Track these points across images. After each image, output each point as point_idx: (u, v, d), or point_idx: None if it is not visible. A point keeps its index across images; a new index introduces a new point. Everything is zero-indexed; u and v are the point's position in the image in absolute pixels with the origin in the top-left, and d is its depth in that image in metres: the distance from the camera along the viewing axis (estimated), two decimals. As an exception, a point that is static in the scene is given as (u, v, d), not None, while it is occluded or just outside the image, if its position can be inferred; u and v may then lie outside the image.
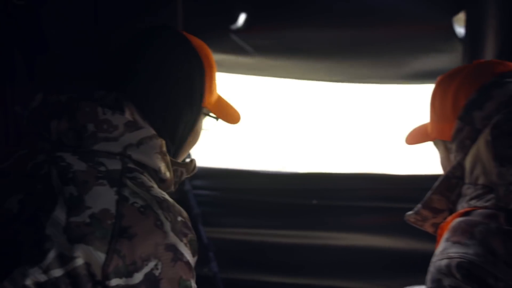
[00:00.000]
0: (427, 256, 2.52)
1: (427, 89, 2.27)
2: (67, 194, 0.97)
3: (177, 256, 0.97)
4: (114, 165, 1.03)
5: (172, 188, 1.15)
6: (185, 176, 1.21)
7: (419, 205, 1.20)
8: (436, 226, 1.19)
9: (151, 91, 1.12)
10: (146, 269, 0.93)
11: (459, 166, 1.13)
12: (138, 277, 0.93)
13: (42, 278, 0.90)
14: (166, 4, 1.86)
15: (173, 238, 0.97)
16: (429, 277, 1.08)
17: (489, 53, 1.96)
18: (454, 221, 1.09)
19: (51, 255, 0.91)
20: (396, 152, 3.14)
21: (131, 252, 0.93)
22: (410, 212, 1.22)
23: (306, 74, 2.30)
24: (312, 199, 2.41)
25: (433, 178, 2.36)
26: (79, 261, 0.91)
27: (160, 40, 1.17)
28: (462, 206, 1.11)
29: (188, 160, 1.23)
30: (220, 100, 1.29)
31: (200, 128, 1.24)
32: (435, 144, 1.27)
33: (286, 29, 2.11)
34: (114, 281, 0.91)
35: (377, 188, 2.46)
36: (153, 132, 1.09)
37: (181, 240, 0.98)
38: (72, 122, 1.06)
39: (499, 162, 1.02)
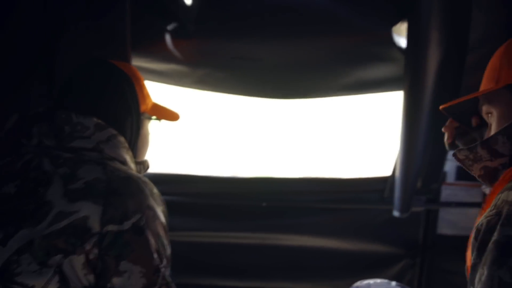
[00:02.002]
0: (373, 256, 2.63)
1: (369, 99, 2.37)
2: (61, 172, 1.17)
3: (156, 215, 1.20)
4: (93, 155, 1.25)
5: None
6: (143, 173, 1.44)
7: (477, 143, 1.08)
8: (487, 170, 1.09)
9: (103, 104, 1.35)
10: (133, 219, 1.14)
11: None
12: (127, 224, 1.13)
13: (46, 231, 1.08)
14: (114, 5, 1.87)
15: (152, 201, 1.20)
16: (484, 231, 0.94)
17: (431, 62, 2.01)
18: None
19: (53, 213, 1.10)
20: (342, 157, 3.23)
21: (121, 205, 1.14)
22: (462, 148, 1.11)
23: (252, 91, 2.28)
24: (262, 202, 2.46)
25: (377, 180, 2.49)
26: (79, 214, 1.11)
27: (100, 70, 1.42)
28: None
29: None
30: (156, 105, 1.53)
31: (147, 133, 1.50)
32: (494, 96, 1.15)
33: (229, 41, 2.10)
34: (109, 227, 1.12)
35: (324, 191, 2.52)
36: (115, 131, 1.30)
37: (159, 206, 1.22)
38: (52, 126, 1.25)
39: None
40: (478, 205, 2.49)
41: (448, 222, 2.55)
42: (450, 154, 2.37)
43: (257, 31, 2.08)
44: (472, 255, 0.95)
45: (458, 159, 1.12)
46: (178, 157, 3.09)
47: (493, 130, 1.14)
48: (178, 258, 2.44)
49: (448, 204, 2.50)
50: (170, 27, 2.07)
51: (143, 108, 1.46)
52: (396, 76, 2.18)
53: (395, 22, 2.10)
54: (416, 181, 2.34)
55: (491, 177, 1.08)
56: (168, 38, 2.07)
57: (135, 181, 1.20)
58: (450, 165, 2.43)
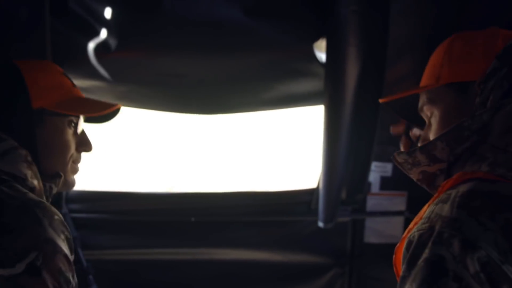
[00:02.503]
0: (303, 266, 2.67)
1: (290, 112, 2.41)
2: None
3: (56, 249, 1.03)
4: None
5: (44, 200, 1.16)
6: (55, 190, 1.24)
7: (416, 147, 1.07)
8: (425, 175, 1.08)
9: None
10: (28, 259, 0.99)
11: (480, 119, 0.99)
12: (20, 267, 0.98)
13: None
14: (33, 30, 1.83)
15: (51, 233, 1.04)
16: (415, 245, 0.91)
17: (349, 76, 2.09)
18: (470, 183, 0.95)
19: None
20: (270, 171, 3.27)
21: (12, 244, 0.99)
22: (401, 152, 1.10)
23: (176, 107, 2.27)
24: (190, 218, 2.45)
25: (304, 192, 2.54)
26: None
27: None
28: (480, 168, 0.97)
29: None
30: (71, 98, 1.28)
31: (55, 135, 1.24)
32: (435, 95, 1.13)
33: (152, 57, 2.08)
34: None
35: (252, 204, 2.54)
36: (16, 143, 1.14)
37: (59, 236, 1.05)
38: None
39: None
40: (401, 213, 2.58)
41: (374, 231, 2.63)
42: (373, 165, 2.45)
43: (180, 47, 2.07)
44: (402, 265, 0.94)
45: (397, 162, 1.11)
46: (107, 174, 3.05)
47: (433, 132, 1.13)
48: (109, 277, 2.42)
49: (373, 213, 2.57)
50: (90, 42, 2.05)
51: (38, 103, 1.21)
52: (319, 90, 2.23)
53: (316, 38, 2.14)
54: (340, 192, 2.41)
55: (429, 181, 1.09)
56: (88, 53, 2.05)
57: (31, 211, 1.05)
58: (374, 176, 2.51)
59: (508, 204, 0.89)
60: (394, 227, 2.61)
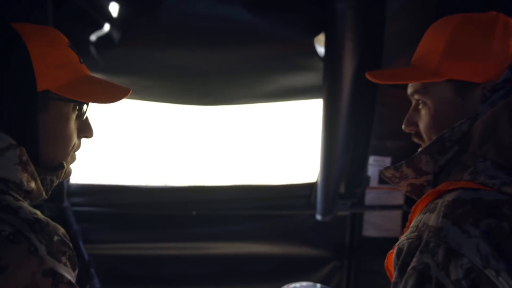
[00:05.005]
0: (302, 259, 2.69)
1: (289, 105, 2.42)
2: None
3: (57, 279, 0.92)
4: None
5: (44, 196, 1.07)
6: (56, 182, 1.10)
7: (402, 162, 1.09)
8: (413, 187, 1.11)
9: None
10: None
11: (459, 129, 1.03)
12: None
13: None
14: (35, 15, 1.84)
15: (50, 262, 0.92)
16: (405, 253, 0.96)
17: (347, 70, 2.11)
18: (455, 193, 0.98)
19: None
20: (271, 164, 3.29)
21: (5, 286, 0.86)
22: (389, 167, 1.12)
23: (178, 98, 2.29)
24: (191, 211, 2.47)
25: (303, 186, 2.56)
26: None
27: None
28: (462, 177, 0.99)
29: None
30: (81, 78, 1.10)
31: (59, 121, 1.07)
32: (431, 86, 1.11)
33: (154, 50, 2.10)
34: None
35: (253, 198, 2.55)
36: (9, 141, 0.98)
37: (60, 261, 0.94)
38: None
39: None
40: (399, 207, 2.60)
41: (373, 225, 2.65)
42: (371, 159, 2.47)
43: (182, 40, 2.10)
44: (394, 271, 0.99)
45: (385, 177, 1.13)
46: (106, 167, 3.06)
47: (424, 125, 1.13)
48: (108, 271, 2.44)
49: (372, 207, 2.59)
50: (94, 35, 2.07)
51: (45, 85, 1.02)
52: (318, 84, 2.25)
53: (316, 33, 2.18)
54: (338, 186, 2.43)
55: (418, 193, 1.12)
56: (90, 45, 2.07)
57: (26, 239, 0.90)
58: (372, 170, 2.53)
59: (489, 211, 0.92)
60: (392, 221, 2.63)
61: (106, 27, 2.05)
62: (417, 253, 0.93)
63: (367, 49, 2.10)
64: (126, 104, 2.20)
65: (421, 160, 1.07)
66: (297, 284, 1.98)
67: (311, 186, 2.55)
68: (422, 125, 1.14)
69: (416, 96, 1.15)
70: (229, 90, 2.27)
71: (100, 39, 2.06)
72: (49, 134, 1.05)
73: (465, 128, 1.03)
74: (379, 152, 2.47)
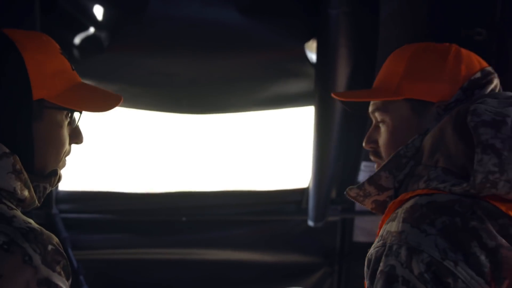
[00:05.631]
0: (293, 265, 2.68)
1: (280, 112, 2.42)
2: None
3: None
4: None
5: (37, 204, 1.07)
6: (49, 189, 1.10)
7: (364, 181, 1.17)
8: (377, 203, 1.18)
9: None
10: None
11: (413, 145, 1.12)
12: None
13: None
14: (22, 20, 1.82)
15: (44, 271, 0.91)
16: (373, 261, 1.03)
17: (340, 77, 2.11)
18: (412, 200, 1.06)
19: None
20: (261, 170, 3.28)
21: None
22: (352, 187, 1.19)
23: (168, 106, 2.27)
24: (181, 217, 2.45)
25: (294, 192, 2.55)
26: None
27: None
28: (418, 186, 1.08)
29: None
30: (74, 85, 1.10)
31: (53, 130, 1.07)
32: (390, 104, 1.20)
33: (144, 56, 2.08)
34: None
35: (243, 203, 2.55)
36: (3, 150, 0.97)
37: (54, 270, 0.93)
38: None
39: (483, 150, 0.99)
40: (390, 212, 2.60)
41: (364, 230, 2.64)
42: (363, 165, 2.47)
43: (172, 46, 2.08)
44: (366, 282, 1.06)
45: (350, 197, 1.20)
46: (94, 173, 3.03)
47: (383, 141, 1.21)
48: (97, 277, 2.42)
49: (363, 212, 2.59)
50: (82, 41, 2.04)
51: (40, 93, 1.02)
52: (310, 91, 2.25)
53: (306, 39, 2.17)
54: (330, 191, 2.43)
55: (382, 208, 1.18)
56: (80, 52, 2.04)
57: (21, 249, 0.90)
58: (363, 175, 2.53)
59: (443, 210, 1.01)
60: (382, 226, 2.64)
61: (94, 32, 2.03)
62: (383, 257, 1.00)
63: (360, 55, 2.10)
64: (115, 111, 2.17)
65: (381, 177, 1.14)
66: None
67: (301, 192, 2.54)
68: (381, 142, 1.22)
69: (376, 114, 1.22)
70: (219, 98, 2.26)
71: (88, 44, 2.04)
72: (43, 142, 1.05)
73: (417, 144, 1.12)
74: (369, 158, 2.46)
